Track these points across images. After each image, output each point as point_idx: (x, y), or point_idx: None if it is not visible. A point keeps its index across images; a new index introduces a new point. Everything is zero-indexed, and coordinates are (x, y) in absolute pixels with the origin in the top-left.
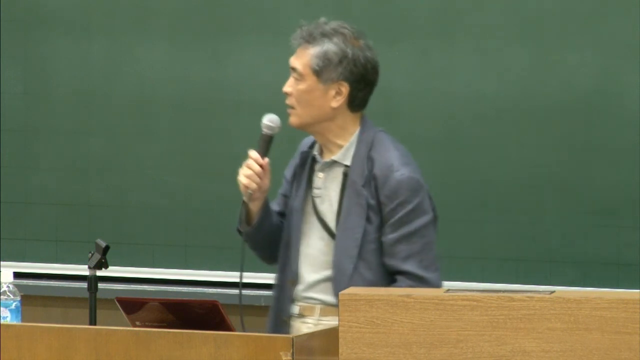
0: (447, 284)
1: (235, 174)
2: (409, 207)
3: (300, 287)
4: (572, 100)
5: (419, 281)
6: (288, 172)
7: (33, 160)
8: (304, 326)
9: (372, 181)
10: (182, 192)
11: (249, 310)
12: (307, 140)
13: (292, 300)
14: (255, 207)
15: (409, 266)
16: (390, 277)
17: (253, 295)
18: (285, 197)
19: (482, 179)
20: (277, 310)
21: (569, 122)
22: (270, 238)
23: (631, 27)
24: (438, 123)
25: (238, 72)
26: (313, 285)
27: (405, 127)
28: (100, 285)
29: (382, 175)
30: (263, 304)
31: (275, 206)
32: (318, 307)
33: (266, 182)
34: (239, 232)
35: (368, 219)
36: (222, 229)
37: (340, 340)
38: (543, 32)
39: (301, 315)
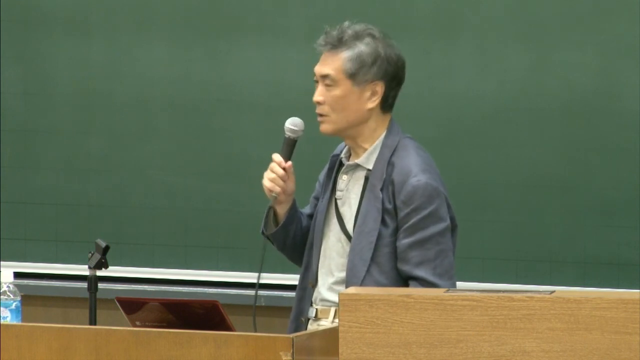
0: None
1: (235, 173)
2: (424, 213)
3: (317, 289)
4: (572, 100)
5: (431, 287)
6: (321, 176)
7: (33, 160)
8: (319, 329)
9: (390, 186)
10: (182, 192)
11: (251, 310)
12: (340, 146)
13: (311, 303)
14: (282, 209)
15: (422, 272)
16: (403, 282)
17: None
18: (317, 199)
19: (482, 179)
20: (297, 312)
21: (569, 122)
22: (298, 240)
23: (631, 27)
24: (438, 123)
25: (238, 72)
26: (329, 287)
27: (405, 127)
28: (100, 285)
29: (400, 181)
30: (264, 304)
31: (307, 209)
32: (333, 309)
33: (290, 185)
34: (264, 235)
35: (384, 223)
36: (222, 229)
37: (340, 340)
38: (543, 32)
39: (317, 318)
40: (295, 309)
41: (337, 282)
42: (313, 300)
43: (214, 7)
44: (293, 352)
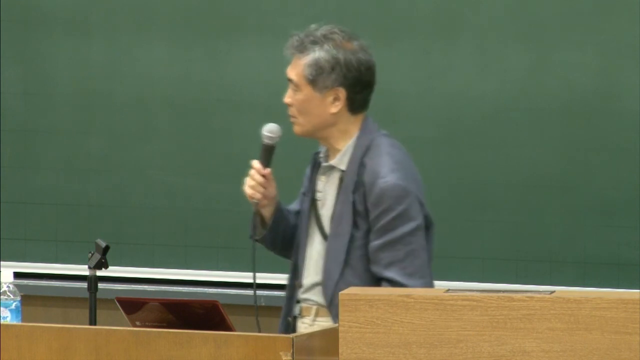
0: (447, 284)
1: (235, 173)
2: (393, 214)
3: (301, 289)
4: (572, 100)
5: (401, 288)
6: (308, 171)
7: (33, 160)
8: (302, 326)
9: (361, 187)
10: (182, 192)
11: (250, 310)
12: None
13: (297, 302)
14: (267, 212)
15: (391, 273)
16: (377, 284)
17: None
18: (305, 195)
19: (482, 179)
20: (286, 311)
21: (569, 122)
22: (287, 238)
23: (631, 27)
24: (438, 123)
25: (238, 72)
26: (310, 288)
27: (405, 127)
28: (100, 285)
29: (370, 182)
30: (264, 304)
31: (295, 205)
32: (314, 308)
33: (271, 190)
34: (252, 239)
35: (356, 225)
36: (222, 229)
37: (340, 340)
38: (543, 32)
39: (301, 316)
40: (284, 308)
41: (317, 283)
42: (298, 298)
43: (214, 7)
44: (293, 352)
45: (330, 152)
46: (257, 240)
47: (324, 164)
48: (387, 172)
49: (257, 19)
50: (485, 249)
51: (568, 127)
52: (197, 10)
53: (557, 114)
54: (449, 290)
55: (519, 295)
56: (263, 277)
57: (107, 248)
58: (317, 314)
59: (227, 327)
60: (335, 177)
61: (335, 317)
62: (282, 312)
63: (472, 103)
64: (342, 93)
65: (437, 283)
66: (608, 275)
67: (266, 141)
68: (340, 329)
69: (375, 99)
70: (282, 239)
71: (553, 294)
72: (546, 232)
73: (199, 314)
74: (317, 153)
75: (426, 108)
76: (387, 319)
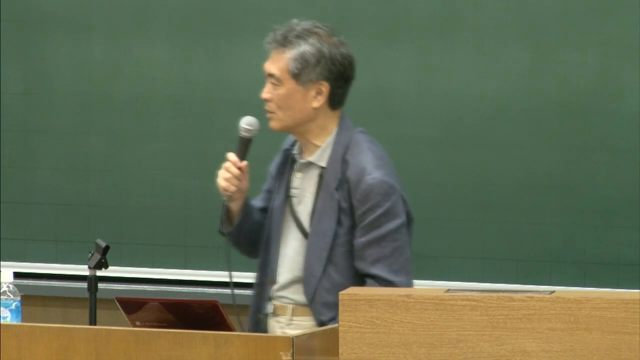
0: (447, 284)
1: None
2: (380, 211)
3: (275, 286)
4: (572, 100)
5: (387, 285)
6: (273, 168)
7: (33, 160)
8: (277, 325)
9: (345, 184)
10: (182, 192)
11: (247, 311)
12: (291, 138)
13: (270, 299)
14: (236, 206)
15: (378, 270)
16: (360, 280)
17: (251, 295)
18: (269, 192)
19: (482, 179)
20: (255, 308)
21: (568, 122)
22: (251, 235)
23: (631, 27)
24: (438, 123)
25: (238, 72)
26: (286, 285)
27: (405, 127)
28: (100, 285)
29: (355, 179)
30: None
31: (258, 202)
32: (290, 306)
33: (245, 183)
34: (221, 233)
35: (339, 222)
36: None
37: (340, 340)
38: (543, 32)
39: (275, 314)
40: (253, 305)
41: (295, 281)
42: (271, 296)
43: (214, 8)
44: (293, 352)
45: (306, 148)
46: (223, 235)
47: (301, 160)
48: (372, 168)
49: (257, 19)
50: (485, 249)
51: (568, 127)
52: (197, 11)
53: (557, 114)
54: (449, 290)
55: (519, 295)
56: None
57: (107, 248)
58: (293, 313)
59: (227, 327)
60: (313, 174)
61: (316, 314)
62: (251, 309)
63: (472, 103)
64: (325, 87)
65: (437, 283)
66: (608, 275)
67: (244, 134)
68: (340, 329)
69: (374, 98)
70: (247, 234)
71: (553, 294)
72: (546, 232)
73: (199, 314)
74: (288, 149)
75: (426, 108)
76: (387, 319)
